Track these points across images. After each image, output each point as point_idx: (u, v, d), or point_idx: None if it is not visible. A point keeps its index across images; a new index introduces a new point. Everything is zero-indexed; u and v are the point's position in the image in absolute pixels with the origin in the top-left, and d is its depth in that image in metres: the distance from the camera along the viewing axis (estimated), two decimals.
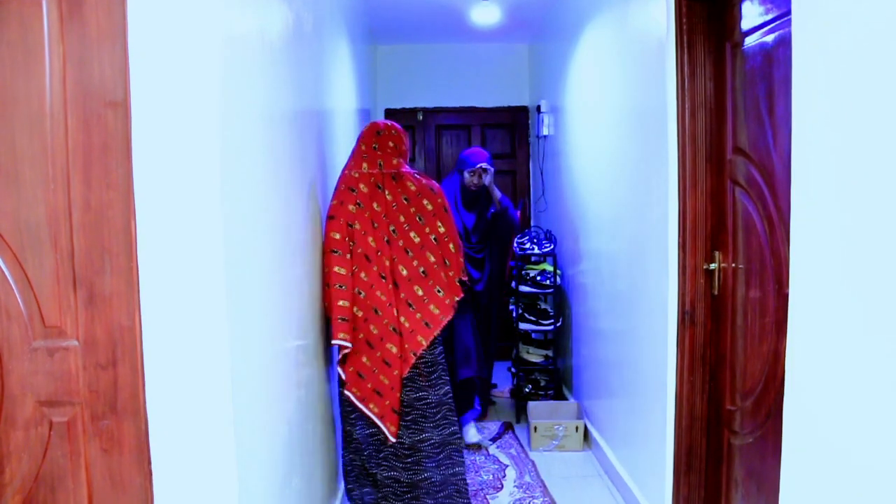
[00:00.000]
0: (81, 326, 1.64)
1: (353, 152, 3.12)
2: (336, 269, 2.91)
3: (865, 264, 1.50)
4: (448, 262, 3.12)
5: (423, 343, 2.99)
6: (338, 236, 2.94)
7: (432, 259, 3.08)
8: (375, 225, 3.00)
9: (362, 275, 2.95)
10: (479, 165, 4.34)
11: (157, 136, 1.58)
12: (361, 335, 2.94)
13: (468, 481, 3.40)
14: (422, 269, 3.06)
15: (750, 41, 2.43)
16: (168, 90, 1.57)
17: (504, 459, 4.13)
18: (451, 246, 3.13)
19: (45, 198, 1.61)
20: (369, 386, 2.94)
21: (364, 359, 2.95)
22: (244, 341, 1.77)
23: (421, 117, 6.34)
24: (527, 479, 3.84)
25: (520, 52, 6.38)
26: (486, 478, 3.86)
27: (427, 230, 3.08)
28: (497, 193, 4.50)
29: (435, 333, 3.02)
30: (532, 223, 6.17)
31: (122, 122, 1.60)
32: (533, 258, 5.01)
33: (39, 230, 1.62)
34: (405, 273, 3.03)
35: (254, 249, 1.89)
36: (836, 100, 1.60)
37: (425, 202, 3.09)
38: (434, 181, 3.21)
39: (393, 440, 2.96)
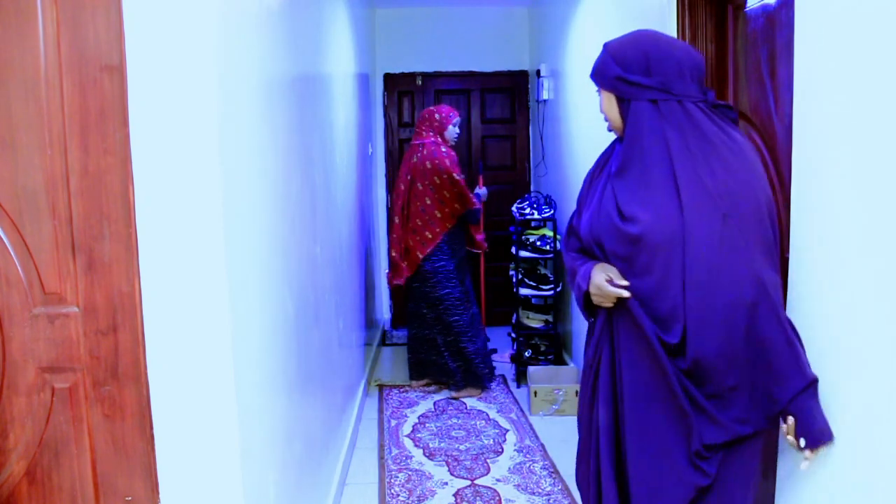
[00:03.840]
0: (81, 293, 1.64)
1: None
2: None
3: (865, 229, 1.50)
4: (443, 201, 4.49)
5: (419, 256, 4.53)
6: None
7: (428, 202, 4.50)
8: (408, 177, 4.58)
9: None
10: None
11: (153, 100, 1.56)
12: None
13: (469, 446, 3.82)
14: (421, 208, 4.52)
15: (752, 3, 2.40)
16: (164, 54, 1.55)
17: (504, 424, 4.17)
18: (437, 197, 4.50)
19: (43, 164, 1.60)
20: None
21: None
22: (244, 306, 1.77)
23: (420, 82, 6.28)
24: (527, 442, 3.88)
25: (520, 15, 6.30)
26: (486, 442, 3.90)
27: (426, 182, 4.49)
28: None
29: (427, 250, 4.52)
30: (532, 188, 6.16)
31: (118, 86, 1.58)
32: (533, 223, 5.02)
33: (37, 196, 1.61)
34: (412, 208, 4.55)
35: (253, 211, 1.88)
36: (839, 63, 1.58)
37: (428, 164, 4.45)
38: (442, 150, 4.45)
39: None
